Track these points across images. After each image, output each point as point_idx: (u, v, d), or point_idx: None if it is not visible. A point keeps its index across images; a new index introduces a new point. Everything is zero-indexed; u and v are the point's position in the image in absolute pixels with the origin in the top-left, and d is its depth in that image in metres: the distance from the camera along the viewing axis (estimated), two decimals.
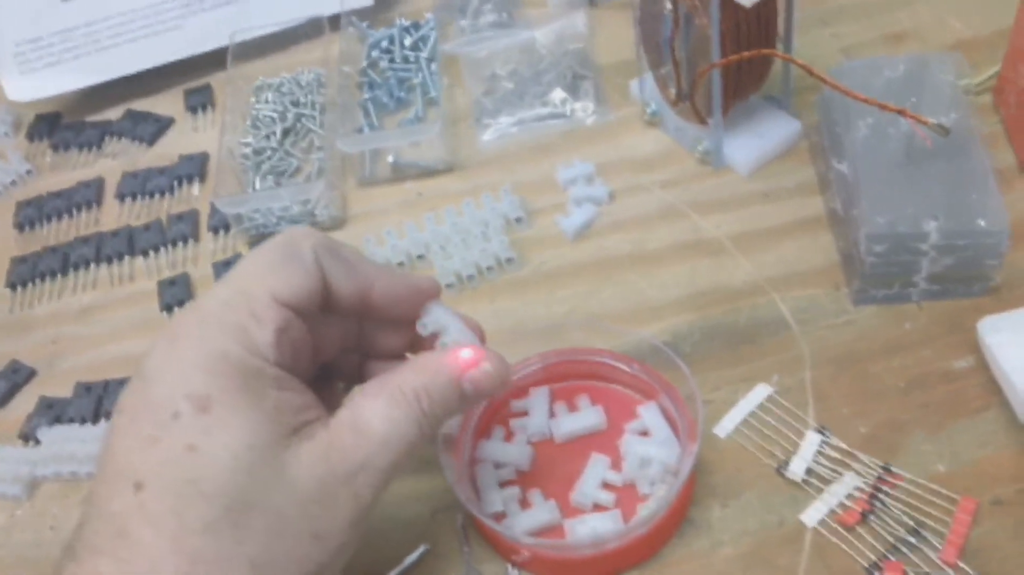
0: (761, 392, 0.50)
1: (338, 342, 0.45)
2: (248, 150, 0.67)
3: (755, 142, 0.61)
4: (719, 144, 0.60)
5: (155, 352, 0.39)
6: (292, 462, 0.37)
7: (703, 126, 0.60)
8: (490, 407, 0.51)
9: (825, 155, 0.57)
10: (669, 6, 0.56)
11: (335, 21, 0.71)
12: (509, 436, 0.50)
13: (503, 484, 0.48)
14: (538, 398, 0.51)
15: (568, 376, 0.52)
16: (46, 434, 0.56)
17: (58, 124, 0.75)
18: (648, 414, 0.49)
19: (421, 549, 0.47)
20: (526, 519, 0.46)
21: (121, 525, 0.36)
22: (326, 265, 0.42)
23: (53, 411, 0.57)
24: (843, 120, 0.55)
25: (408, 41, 0.71)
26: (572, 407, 0.50)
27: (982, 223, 0.49)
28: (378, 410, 0.40)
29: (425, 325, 0.44)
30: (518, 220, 0.60)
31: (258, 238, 0.63)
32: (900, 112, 0.46)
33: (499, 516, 0.46)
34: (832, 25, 0.67)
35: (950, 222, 0.49)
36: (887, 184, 0.51)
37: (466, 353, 0.42)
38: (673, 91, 0.60)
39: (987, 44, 0.64)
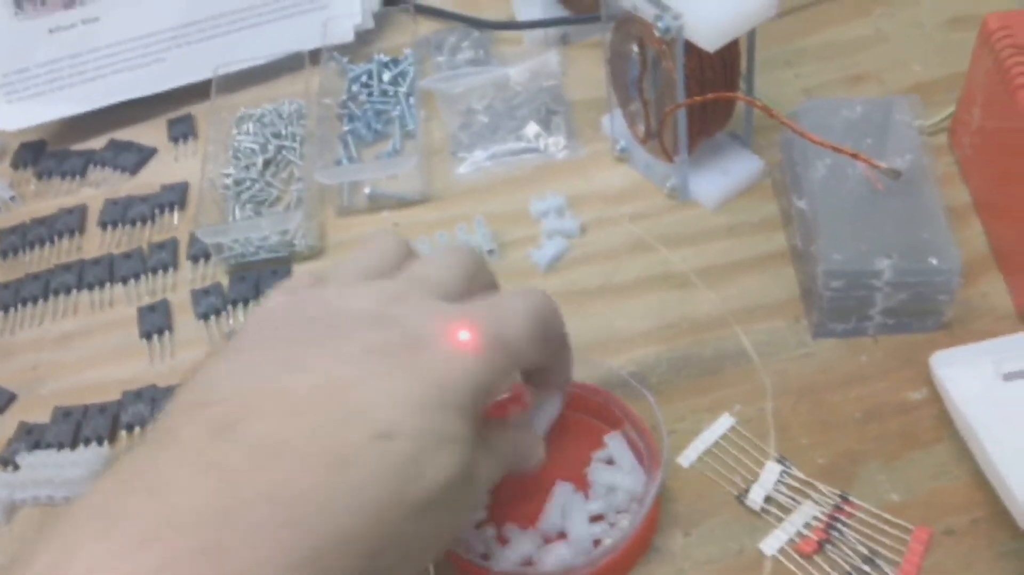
0: (724, 423, 0.52)
1: None
2: (229, 180, 0.69)
3: (720, 178, 0.63)
4: (686, 180, 0.62)
5: None
6: None
7: (670, 162, 0.62)
8: None
9: (787, 192, 0.60)
10: (636, 49, 0.58)
11: (316, 55, 0.73)
12: None
13: (477, 525, 0.49)
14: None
15: None
16: (25, 459, 0.56)
17: (42, 152, 0.76)
18: (614, 443, 0.51)
19: None
20: (511, 554, 0.47)
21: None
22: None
23: (32, 436, 0.58)
24: (802, 160, 0.57)
25: (387, 76, 0.73)
26: None
27: (934, 261, 0.51)
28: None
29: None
30: (491, 252, 0.62)
31: (237, 267, 0.65)
32: (853, 156, 0.48)
33: (484, 556, 0.48)
34: (795, 66, 0.70)
35: (903, 260, 0.51)
36: (844, 222, 0.53)
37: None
38: (642, 129, 0.62)
39: (944, 86, 0.66)
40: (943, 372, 0.50)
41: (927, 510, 0.48)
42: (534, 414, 0.49)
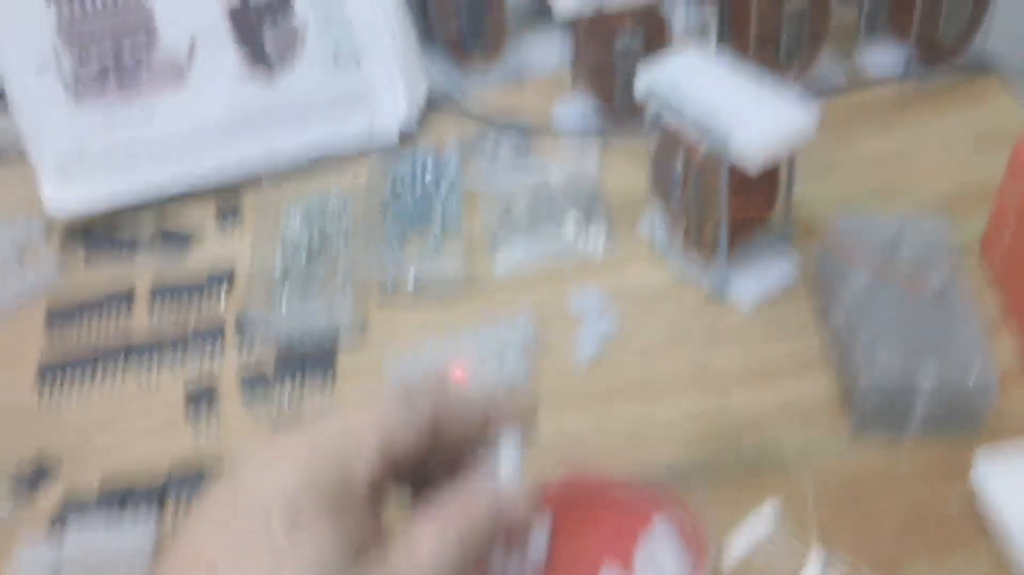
0: (765, 527, 0.53)
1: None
2: (277, 270, 0.70)
3: (757, 281, 0.65)
4: (723, 283, 0.64)
5: (250, 460, 0.41)
6: None
7: (708, 265, 0.64)
8: None
9: (824, 301, 0.61)
10: (679, 167, 0.60)
11: (362, 150, 0.76)
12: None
13: None
14: (540, 520, 0.52)
15: (580, 491, 0.54)
16: (70, 537, 0.57)
17: (91, 234, 0.78)
18: (661, 528, 0.51)
19: None
20: None
21: None
22: (443, 416, 0.44)
23: (78, 514, 0.59)
24: (838, 272, 0.59)
25: (429, 173, 0.76)
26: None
27: (971, 380, 0.52)
28: (426, 532, 0.42)
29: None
30: (532, 347, 0.64)
31: (283, 353, 0.66)
32: (900, 283, 0.50)
33: None
34: (825, 179, 0.72)
35: (941, 378, 0.53)
36: (882, 336, 0.55)
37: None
38: (681, 233, 0.64)
39: (973, 199, 0.68)
40: (983, 477, 0.51)
41: None
42: (494, 462, 0.47)
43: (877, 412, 0.55)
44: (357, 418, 0.43)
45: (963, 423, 0.55)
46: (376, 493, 0.42)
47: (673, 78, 0.60)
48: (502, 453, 0.47)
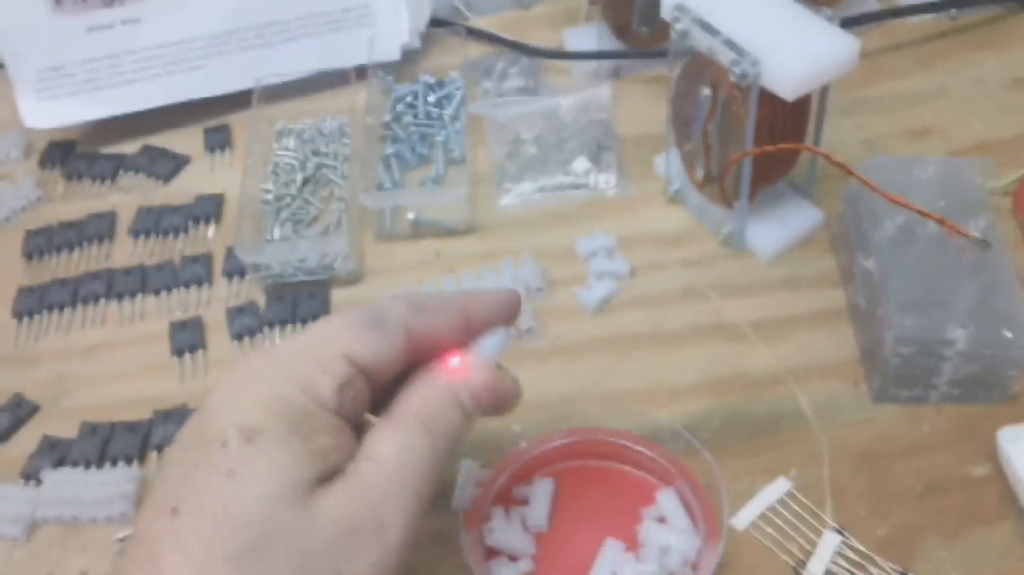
0: (780, 486, 0.50)
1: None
2: (269, 196, 0.66)
3: (778, 228, 0.61)
4: (743, 228, 0.61)
5: (218, 388, 0.40)
6: (321, 501, 0.37)
7: (728, 208, 0.60)
8: (503, 488, 0.50)
9: (850, 248, 0.58)
10: (707, 92, 0.56)
11: (360, 71, 0.71)
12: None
13: None
14: (541, 487, 0.50)
15: (586, 455, 0.51)
16: (49, 475, 0.54)
17: (71, 153, 0.74)
18: (667, 500, 0.49)
19: None
20: None
21: (152, 550, 0.36)
22: (416, 327, 0.42)
23: (56, 451, 0.56)
24: (871, 217, 0.55)
25: (432, 98, 0.71)
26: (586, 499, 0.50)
27: (1008, 334, 0.49)
28: (387, 436, 0.40)
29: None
30: (538, 289, 0.60)
31: (273, 287, 0.63)
32: (940, 221, 0.46)
33: None
34: (855, 116, 0.68)
35: (977, 331, 0.49)
36: (915, 286, 0.52)
37: (455, 361, 0.43)
38: (700, 172, 0.60)
39: (1007, 147, 0.65)
40: (1010, 448, 0.49)
41: None
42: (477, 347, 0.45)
43: (902, 371, 0.52)
44: (320, 333, 0.42)
45: (991, 388, 0.52)
46: (350, 411, 0.41)
47: None
48: (479, 345, 0.44)
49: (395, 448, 0.40)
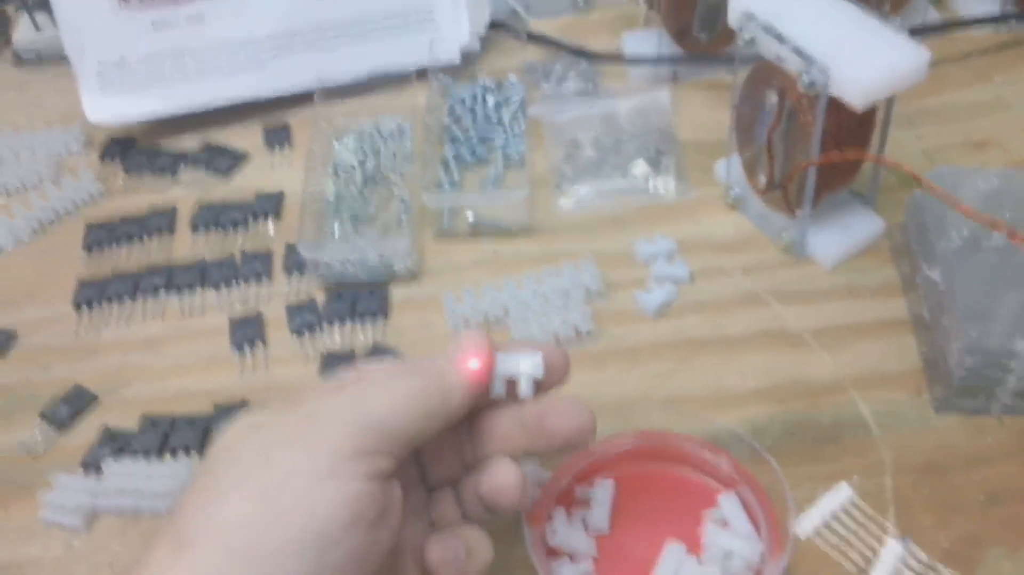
0: (842, 494, 0.50)
1: None
2: (330, 195, 0.67)
3: (839, 237, 0.61)
4: (804, 236, 0.61)
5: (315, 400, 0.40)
6: None
7: (790, 216, 0.60)
8: (565, 489, 0.50)
9: (912, 258, 0.58)
10: (773, 99, 0.56)
11: (420, 73, 0.72)
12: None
13: None
14: (602, 490, 0.50)
15: (647, 458, 0.51)
16: (110, 466, 0.55)
17: (132, 148, 0.74)
18: (728, 504, 0.49)
19: None
20: None
21: None
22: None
23: (117, 442, 0.56)
24: (936, 226, 0.55)
25: (491, 100, 0.72)
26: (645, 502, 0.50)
27: None
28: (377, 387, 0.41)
29: (497, 391, 0.43)
30: (598, 293, 0.60)
31: (332, 284, 0.63)
32: (1011, 234, 0.46)
33: None
34: (916, 126, 0.68)
35: None
36: (980, 297, 0.52)
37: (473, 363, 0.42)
38: (763, 179, 0.60)
39: None
40: None
41: None
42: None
43: (967, 381, 0.51)
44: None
45: None
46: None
47: (772, 2, 0.56)
48: (509, 367, 0.43)
49: (382, 407, 0.40)
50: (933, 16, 0.74)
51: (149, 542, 0.37)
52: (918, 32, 0.72)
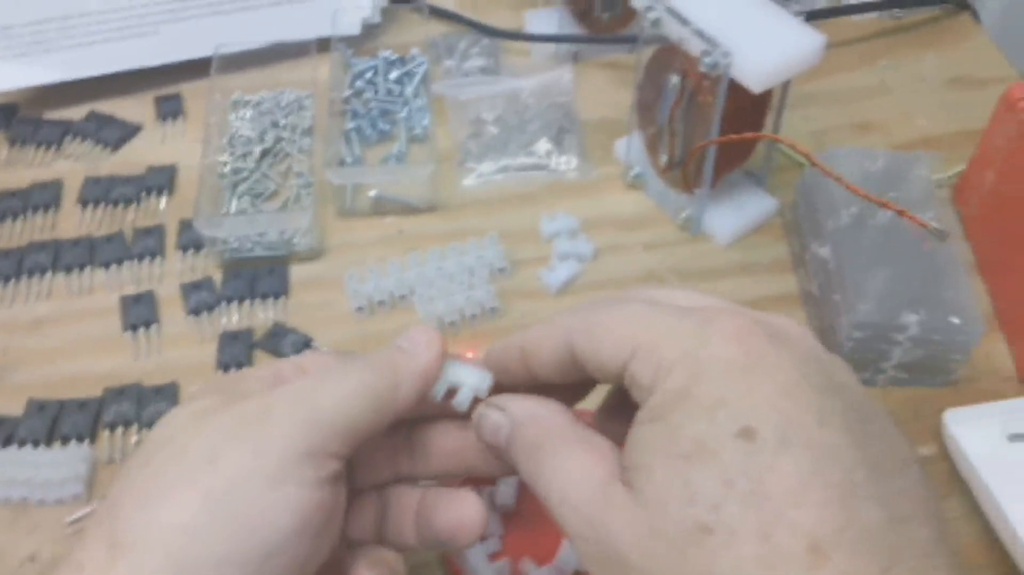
0: None
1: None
2: (226, 169, 0.65)
3: (735, 215, 0.63)
4: (702, 213, 0.62)
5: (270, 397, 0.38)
6: None
7: (689, 194, 0.61)
8: None
9: (803, 236, 0.60)
10: (675, 80, 0.57)
11: (321, 44, 0.71)
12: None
13: (492, 557, 0.48)
14: (506, 481, 0.50)
15: None
16: None
17: (14, 117, 0.71)
18: None
19: None
20: None
21: None
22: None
23: (3, 429, 0.54)
24: (826, 206, 0.58)
25: (394, 74, 0.71)
26: None
27: (956, 320, 0.52)
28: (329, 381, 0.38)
29: (436, 392, 0.40)
30: (502, 270, 0.61)
31: (230, 262, 0.62)
32: (900, 212, 0.48)
33: None
34: (803, 108, 0.70)
35: (929, 316, 0.52)
36: (867, 273, 0.54)
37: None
38: (664, 158, 0.61)
39: (947, 143, 0.68)
40: (956, 430, 0.51)
41: (965, 566, 0.48)
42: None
43: (855, 355, 0.54)
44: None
45: (937, 373, 0.55)
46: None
47: None
48: (454, 376, 0.41)
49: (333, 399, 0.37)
50: (820, 3, 0.77)
51: (80, 538, 0.35)
52: (810, 18, 0.74)
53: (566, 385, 0.39)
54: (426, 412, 0.41)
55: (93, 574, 0.34)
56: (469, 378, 0.40)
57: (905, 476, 0.32)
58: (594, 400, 0.40)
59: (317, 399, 0.37)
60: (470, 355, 0.41)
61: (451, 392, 0.40)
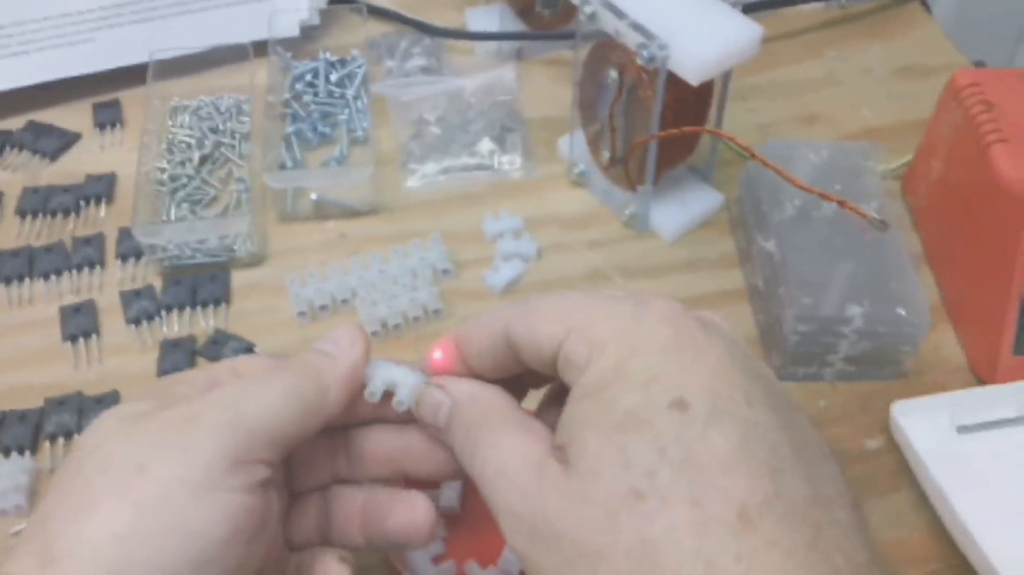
0: None
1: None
2: (164, 175, 0.64)
3: (680, 211, 0.62)
4: (646, 210, 0.62)
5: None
6: None
7: (631, 191, 0.61)
8: None
9: (748, 230, 0.60)
10: (614, 75, 0.57)
11: (259, 47, 0.70)
12: None
13: (435, 560, 0.47)
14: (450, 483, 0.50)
15: None
16: None
17: None
18: None
19: None
20: None
21: None
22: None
23: None
24: (770, 199, 0.57)
25: (334, 76, 0.70)
26: None
27: (902, 312, 0.52)
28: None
29: (373, 393, 0.40)
30: (445, 271, 0.60)
31: (171, 269, 0.61)
32: (841, 203, 0.48)
33: None
34: (748, 100, 0.70)
35: (874, 308, 0.51)
36: (812, 266, 0.54)
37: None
38: (606, 155, 0.61)
39: (895, 133, 0.68)
40: (904, 422, 0.51)
41: (884, 561, 0.48)
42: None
43: (801, 348, 0.53)
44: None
45: (884, 366, 0.54)
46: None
47: None
48: (386, 375, 0.40)
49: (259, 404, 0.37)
50: None
51: (12, 551, 0.34)
52: (751, 8, 0.74)
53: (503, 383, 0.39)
54: (362, 414, 0.41)
55: None
56: (406, 379, 0.40)
57: (825, 466, 0.33)
58: (531, 403, 0.40)
59: (243, 406, 0.37)
60: (438, 354, 0.40)
61: (388, 394, 0.40)
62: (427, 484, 0.49)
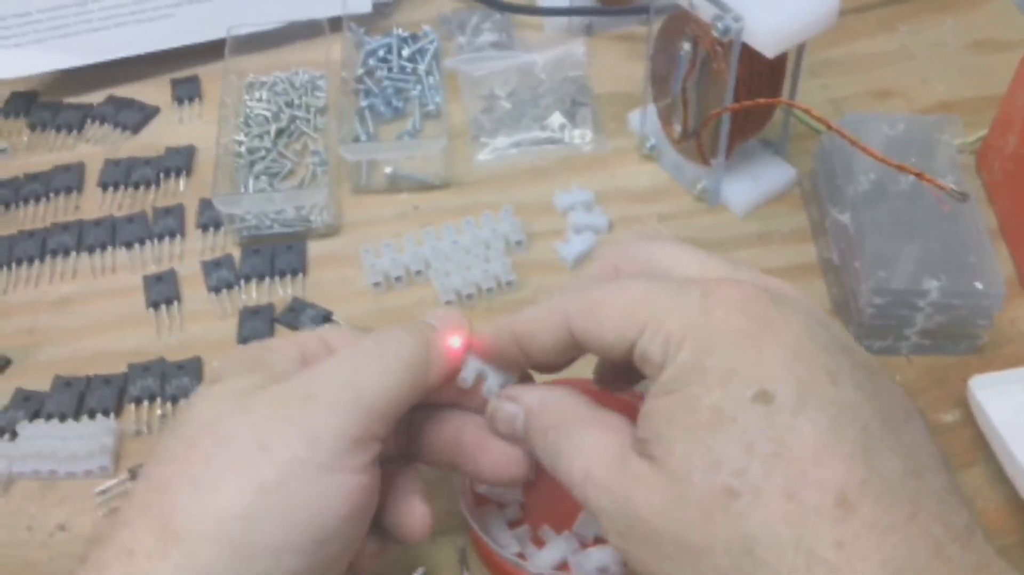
0: None
1: None
2: (242, 148, 0.66)
3: (752, 185, 0.62)
4: (718, 184, 0.62)
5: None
6: None
7: (705, 165, 0.61)
8: None
9: (821, 204, 0.59)
10: (687, 47, 0.57)
11: (333, 23, 0.71)
12: None
13: (511, 524, 0.48)
14: None
15: None
16: (25, 428, 0.53)
17: (34, 103, 0.71)
18: None
19: (419, 571, 0.47)
20: (547, 556, 0.46)
21: None
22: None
23: (31, 404, 0.55)
24: (845, 172, 0.57)
25: (406, 52, 0.71)
26: None
27: (979, 285, 0.51)
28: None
29: (465, 379, 0.41)
30: (518, 243, 0.61)
31: (248, 239, 0.62)
32: (919, 175, 0.48)
33: (519, 555, 0.47)
34: (821, 76, 0.70)
35: (950, 282, 0.51)
36: (889, 239, 0.54)
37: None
38: (678, 128, 0.61)
39: (969, 108, 0.67)
40: (982, 395, 0.51)
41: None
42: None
43: (876, 322, 0.53)
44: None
45: (960, 340, 0.54)
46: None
47: None
48: (478, 366, 0.42)
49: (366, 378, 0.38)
50: None
51: (123, 522, 0.35)
52: None
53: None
54: (441, 397, 0.42)
55: (145, 561, 0.34)
56: (495, 371, 0.42)
57: (912, 428, 0.33)
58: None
59: (360, 383, 0.38)
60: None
61: (479, 377, 0.42)
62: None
